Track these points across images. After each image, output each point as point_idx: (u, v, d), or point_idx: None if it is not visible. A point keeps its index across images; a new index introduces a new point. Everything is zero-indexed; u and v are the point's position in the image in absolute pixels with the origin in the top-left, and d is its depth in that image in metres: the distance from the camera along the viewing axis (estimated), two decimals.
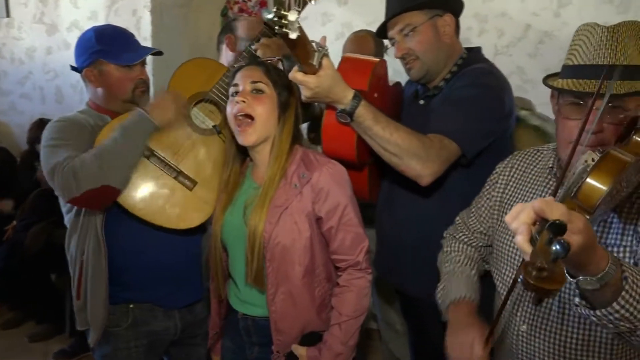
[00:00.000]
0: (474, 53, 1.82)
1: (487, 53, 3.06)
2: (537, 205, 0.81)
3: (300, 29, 1.25)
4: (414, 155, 1.51)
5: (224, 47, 2.25)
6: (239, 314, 1.62)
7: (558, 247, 0.75)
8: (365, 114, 1.49)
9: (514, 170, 1.40)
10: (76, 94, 4.03)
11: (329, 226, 1.51)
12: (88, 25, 3.98)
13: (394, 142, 1.51)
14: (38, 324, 3.49)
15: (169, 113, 1.66)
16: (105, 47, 1.73)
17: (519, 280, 0.78)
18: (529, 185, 1.34)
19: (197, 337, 1.86)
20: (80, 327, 1.78)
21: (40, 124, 3.73)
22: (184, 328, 1.85)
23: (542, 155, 1.37)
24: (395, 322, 2.68)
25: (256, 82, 1.51)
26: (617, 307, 0.92)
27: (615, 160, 0.92)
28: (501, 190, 1.41)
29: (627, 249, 1.13)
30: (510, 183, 1.39)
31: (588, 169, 0.92)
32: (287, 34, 1.22)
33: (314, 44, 1.40)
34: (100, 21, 3.94)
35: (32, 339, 3.36)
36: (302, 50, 1.36)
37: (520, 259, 1.25)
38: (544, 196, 1.28)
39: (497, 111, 1.65)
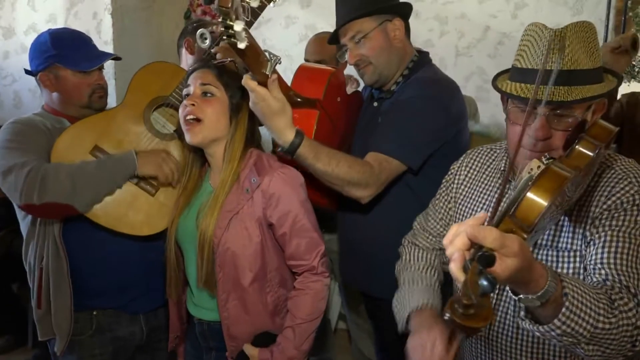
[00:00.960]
0: (423, 57, 1.85)
1: (449, 54, 3.15)
2: (470, 231, 0.81)
3: (249, 39, 1.25)
4: (354, 184, 1.58)
5: (183, 50, 2.24)
6: (194, 318, 1.62)
7: (485, 282, 0.74)
8: (306, 153, 1.51)
9: (468, 169, 1.41)
10: (35, 99, 3.93)
11: (282, 232, 1.50)
12: (46, 28, 3.91)
13: (335, 176, 1.55)
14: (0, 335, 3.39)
15: (152, 169, 1.62)
16: (61, 51, 1.70)
17: (445, 317, 0.76)
18: (482, 185, 1.35)
19: (162, 342, 1.84)
20: (43, 338, 1.74)
21: None
22: (149, 332, 1.83)
23: (495, 155, 1.38)
24: (364, 322, 2.70)
25: (206, 84, 1.50)
26: (558, 324, 0.92)
27: (555, 176, 0.91)
28: (456, 191, 1.42)
29: (577, 253, 1.13)
30: (464, 183, 1.40)
31: (529, 183, 0.91)
32: (235, 43, 1.22)
33: (266, 53, 1.40)
34: (59, 24, 3.85)
35: None
36: (252, 59, 1.36)
37: None
38: (495, 198, 1.29)
39: (441, 119, 1.68)
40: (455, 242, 0.82)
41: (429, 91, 1.70)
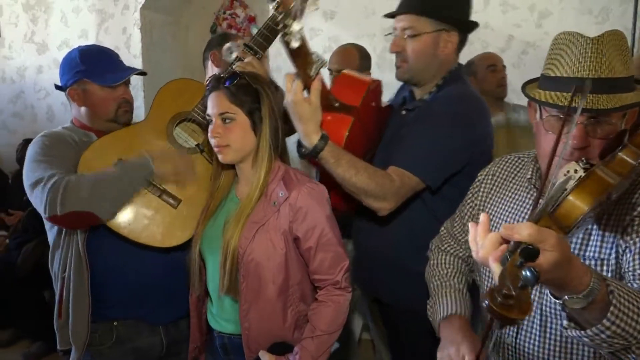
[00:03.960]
0: (458, 70, 1.79)
1: None
2: (504, 230, 0.81)
3: (302, 39, 1.30)
4: (371, 195, 1.59)
5: (209, 63, 2.28)
6: (215, 331, 1.63)
7: (528, 274, 0.73)
8: (327, 156, 1.56)
9: (495, 177, 1.39)
10: (67, 113, 3.99)
11: (308, 246, 1.50)
12: (79, 44, 4.02)
13: (352, 184, 1.58)
14: (32, 342, 3.48)
15: (168, 167, 1.66)
16: (89, 67, 1.74)
17: (484, 305, 0.75)
18: (510, 194, 1.33)
19: (181, 354, 1.82)
20: (62, 347, 1.75)
21: (26, 144, 3.75)
22: (169, 344, 1.82)
23: (522, 163, 1.36)
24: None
25: (223, 113, 1.51)
26: (608, 324, 0.88)
27: (600, 181, 0.89)
28: (483, 199, 1.40)
29: (605, 262, 1.11)
30: (492, 191, 1.39)
31: (571, 182, 0.89)
32: (288, 43, 1.28)
33: (313, 55, 1.46)
34: (91, 39, 3.98)
35: (26, 357, 3.35)
36: (301, 60, 1.42)
37: None
38: (526, 206, 1.28)
39: (465, 139, 1.64)
40: (490, 236, 0.83)
41: (457, 109, 1.66)
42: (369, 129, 1.82)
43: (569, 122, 1.03)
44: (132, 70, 1.81)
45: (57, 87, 1.82)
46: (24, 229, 3.49)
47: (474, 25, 1.75)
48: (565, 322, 0.94)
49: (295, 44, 1.29)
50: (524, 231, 0.79)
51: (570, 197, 0.87)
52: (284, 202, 1.48)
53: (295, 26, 1.25)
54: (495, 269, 0.79)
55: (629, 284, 1.05)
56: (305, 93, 1.54)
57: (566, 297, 0.88)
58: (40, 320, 3.42)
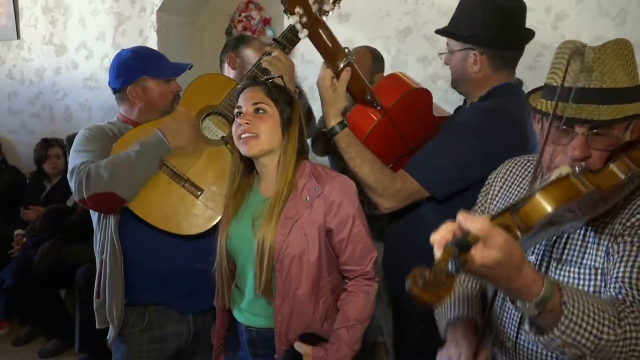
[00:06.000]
0: (507, 87, 1.72)
1: None
2: (460, 217, 0.83)
3: (311, 32, 1.51)
4: (371, 189, 1.68)
5: (225, 65, 2.31)
6: (242, 325, 1.64)
7: (452, 265, 0.76)
8: (339, 141, 1.70)
9: (503, 180, 1.38)
10: (84, 113, 4.11)
11: (340, 238, 1.54)
12: (96, 45, 4.12)
13: (356, 173, 1.68)
14: (48, 340, 3.52)
15: (184, 138, 1.75)
16: (146, 64, 1.85)
17: (406, 287, 0.77)
18: (516, 197, 1.31)
19: (202, 344, 1.90)
20: (100, 326, 1.86)
21: (44, 144, 3.83)
22: (196, 334, 1.90)
23: (531, 166, 1.35)
24: None
25: (258, 102, 1.55)
26: (558, 333, 0.90)
27: (570, 187, 0.88)
28: (492, 202, 1.39)
29: (599, 270, 1.11)
30: (499, 194, 1.37)
31: (545, 183, 0.89)
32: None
33: (345, 50, 1.66)
34: (108, 42, 4.03)
35: (42, 355, 3.39)
36: (323, 52, 1.63)
37: None
38: None
39: (479, 154, 1.59)
40: (445, 224, 0.85)
41: (475, 122, 1.64)
42: (409, 135, 1.81)
43: (573, 133, 1.05)
44: (187, 65, 1.95)
45: (113, 90, 1.92)
46: (42, 227, 3.53)
47: (508, 43, 1.69)
48: (526, 326, 0.96)
49: (301, 35, 1.58)
50: (477, 224, 0.81)
51: (536, 197, 0.87)
52: (317, 197, 1.53)
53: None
54: (437, 254, 0.81)
55: (609, 292, 1.05)
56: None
57: (518, 303, 0.90)
58: (57, 318, 3.47)
